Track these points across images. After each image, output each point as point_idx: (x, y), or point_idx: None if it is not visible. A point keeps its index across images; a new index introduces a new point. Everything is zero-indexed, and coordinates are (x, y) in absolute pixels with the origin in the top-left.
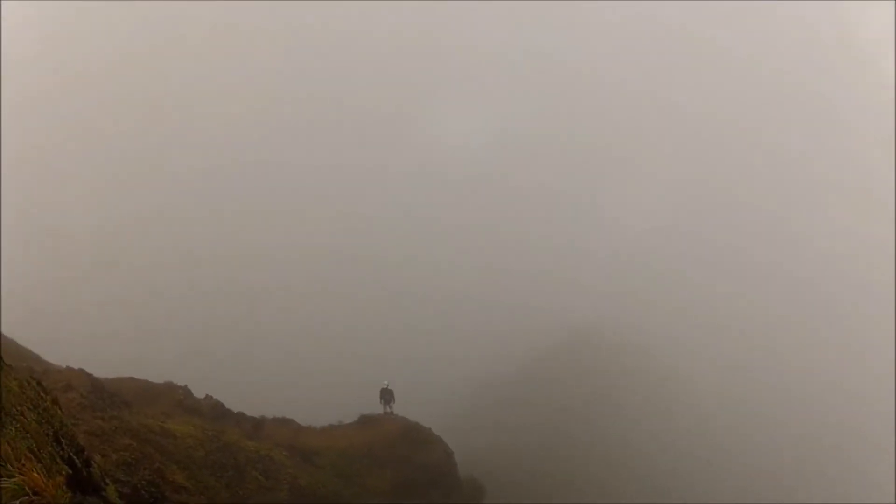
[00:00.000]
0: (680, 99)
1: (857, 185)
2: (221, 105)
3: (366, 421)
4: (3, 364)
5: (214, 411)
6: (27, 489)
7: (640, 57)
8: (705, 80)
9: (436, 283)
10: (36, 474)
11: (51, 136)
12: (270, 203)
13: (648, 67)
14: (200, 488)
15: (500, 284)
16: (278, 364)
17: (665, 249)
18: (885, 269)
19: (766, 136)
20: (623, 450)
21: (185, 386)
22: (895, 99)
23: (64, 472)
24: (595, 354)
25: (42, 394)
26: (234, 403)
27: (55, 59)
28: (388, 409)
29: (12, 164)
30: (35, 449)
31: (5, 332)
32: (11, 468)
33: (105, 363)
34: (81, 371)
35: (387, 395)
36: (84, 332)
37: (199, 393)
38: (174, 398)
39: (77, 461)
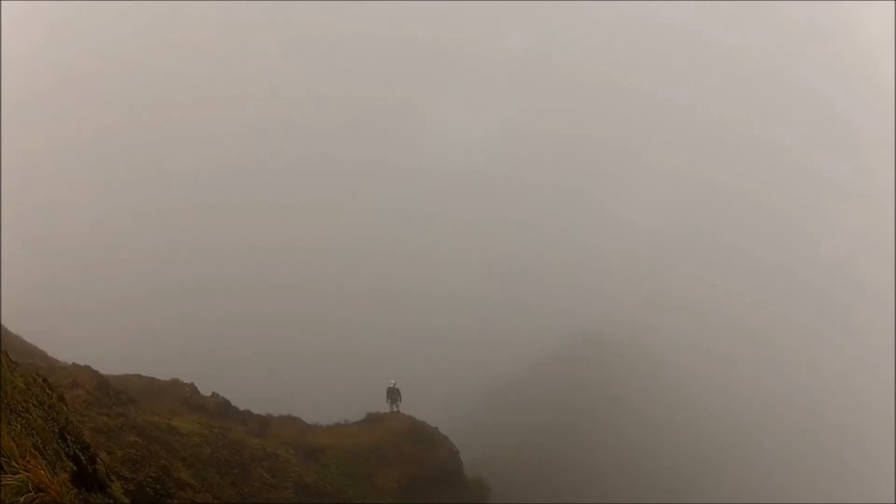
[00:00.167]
0: (681, 98)
1: (857, 184)
2: (223, 103)
3: (372, 419)
4: (9, 361)
5: (220, 409)
6: (31, 486)
7: (642, 56)
8: (706, 80)
9: (441, 282)
10: (41, 471)
11: (51, 134)
12: (277, 199)
13: (650, 66)
14: (206, 486)
15: (504, 283)
16: (285, 362)
17: (667, 248)
18: (886, 269)
19: (766, 136)
20: (629, 450)
21: (192, 383)
22: (895, 99)
23: (69, 469)
24: (601, 354)
25: (48, 390)
26: (240, 401)
27: (55, 56)
28: (395, 408)
29: (12, 163)
30: (40, 445)
31: (11, 329)
32: (16, 465)
33: (111, 360)
34: (87, 368)
35: (394, 394)
36: (90, 330)
37: (205, 390)
38: (180, 395)
39: (82, 458)
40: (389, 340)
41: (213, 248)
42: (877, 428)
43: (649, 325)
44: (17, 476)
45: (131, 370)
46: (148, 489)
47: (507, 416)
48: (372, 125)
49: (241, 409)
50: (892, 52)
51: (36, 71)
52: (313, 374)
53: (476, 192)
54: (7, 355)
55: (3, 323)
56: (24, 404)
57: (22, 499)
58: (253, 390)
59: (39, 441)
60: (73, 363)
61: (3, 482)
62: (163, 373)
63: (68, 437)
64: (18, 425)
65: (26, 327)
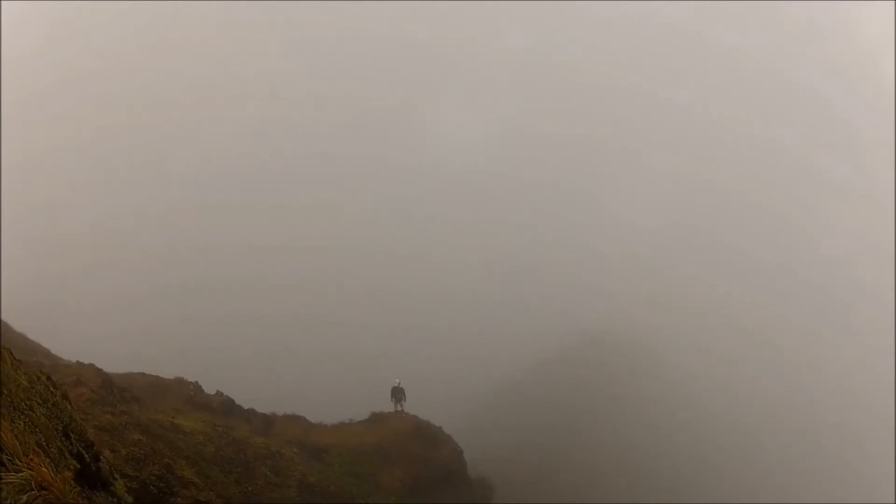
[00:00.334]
0: (681, 98)
1: (857, 184)
2: (223, 103)
3: (376, 419)
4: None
5: (224, 407)
6: (34, 484)
7: (642, 56)
8: (706, 80)
9: (441, 281)
10: (44, 469)
11: (51, 134)
12: (277, 199)
13: (650, 66)
14: (209, 484)
15: (504, 283)
16: (286, 362)
17: (667, 248)
18: (886, 269)
19: (766, 136)
20: (629, 450)
21: (196, 382)
22: (895, 99)
23: (72, 467)
24: (601, 354)
25: (52, 389)
26: (244, 400)
27: (55, 56)
28: (399, 408)
29: (12, 163)
30: (44, 444)
31: (15, 326)
32: (19, 463)
33: (115, 359)
34: (91, 366)
35: (398, 394)
36: (91, 329)
37: (209, 389)
38: (184, 394)
39: (86, 456)
40: (389, 340)
41: (213, 248)
42: (877, 428)
43: (649, 325)
44: (21, 474)
45: (135, 368)
46: (151, 487)
47: (507, 416)
48: (372, 125)
49: (246, 407)
50: (892, 52)
51: (36, 71)
52: (315, 374)
53: (476, 192)
54: (11, 353)
55: (6, 321)
56: (28, 402)
57: (25, 497)
58: (256, 389)
59: (43, 439)
60: (77, 361)
61: (6, 480)
62: (167, 371)
63: (72, 435)
64: (22, 423)
65: (26, 326)
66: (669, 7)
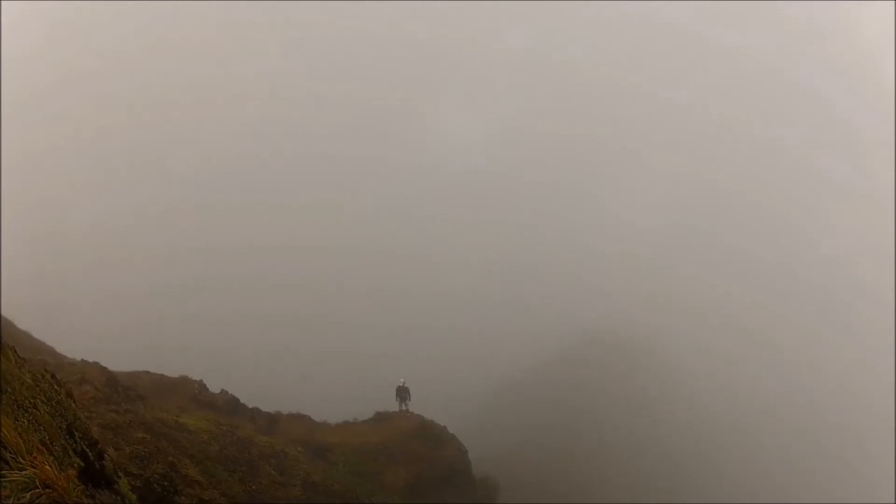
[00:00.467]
0: (681, 98)
1: (857, 184)
2: (223, 103)
3: (381, 418)
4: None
5: (229, 406)
6: (38, 482)
7: (642, 56)
8: (706, 80)
9: (441, 281)
10: (48, 467)
11: (51, 134)
12: (277, 199)
13: (650, 66)
14: (213, 483)
15: (505, 283)
16: (287, 361)
17: (667, 248)
18: (886, 269)
19: (766, 136)
20: (630, 450)
21: (201, 380)
22: (895, 99)
23: (76, 465)
24: (602, 354)
25: (56, 387)
26: (249, 398)
27: (55, 56)
28: (404, 407)
29: (12, 163)
30: (47, 442)
31: (19, 325)
32: (23, 461)
33: (119, 357)
34: (96, 364)
35: (403, 393)
36: (93, 327)
37: (214, 387)
38: (189, 392)
39: (90, 454)
40: (389, 340)
41: (212, 248)
42: (877, 428)
43: (649, 325)
44: (24, 472)
45: (140, 367)
46: (155, 486)
47: (507, 416)
48: (372, 125)
49: (251, 406)
50: (892, 52)
51: (36, 71)
52: (319, 374)
53: (476, 192)
54: (15, 351)
55: (11, 319)
56: (32, 400)
57: (28, 494)
58: (262, 388)
59: (47, 437)
60: (82, 360)
61: (9, 478)
62: (172, 370)
63: (76, 433)
64: (25, 421)
65: (27, 324)
66: (669, 7)
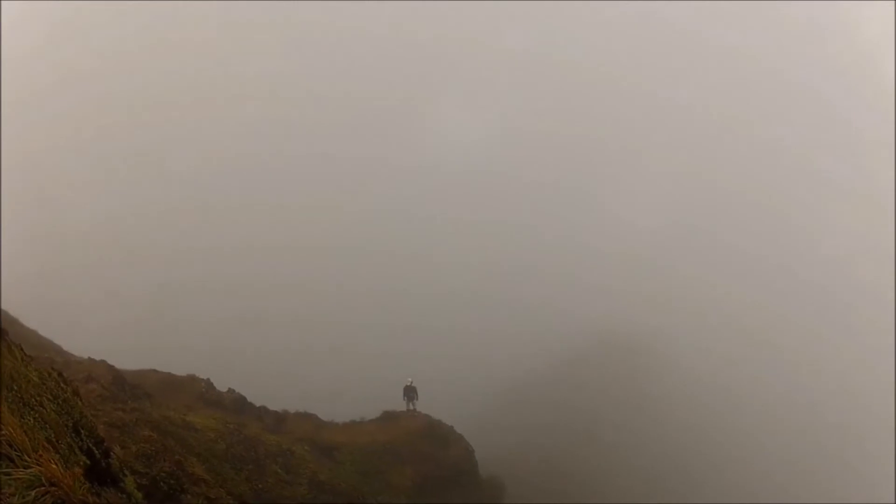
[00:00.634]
0: (681, 98)
1: (857, 184)
2: (223, 103)
3: (388, 417)
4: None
5: (236, 405)
6: (44, 479)
7: (642, 56)
8: (706, 80)
9: (441, 281)
10: (53, 465)
11: (51, 134)
12: (277, 199)
13: (650, 66)
14: (220, 481)
15: (505, 283)
16: (295, 360)
17: (667, 248)
18: (886, 269)
19: (766, 136)
20: (632, 449)
21: (208, 379)
22: (895, 99)
23: (82, 463)
24: (604, 355)
25: (62, 385)
26: (256, 397)
27: (55, 56)
28: (411, 407)
29: (12, 163)
30: (53, 439)
31: (26, 323)
32: (28, 459)
33: (127, 355)
34: (103, 362)
35: (410, 393)
36: (99, 325)
37: (221, 386)
38: (196, 391)
39: (96, 452)
40: (389, 340)
41: (213, 249)
42: (877, 428)
43: (649, 325)
44: (30, 470)
45: (148, 365)
46: (161, 484)
47: (507, 416)
48: (372, 125)
49: (258, 405)
50: (892, 52)
51: (36, 71)
52: (318, 374)
53: (476, 192)
54: (21, 349)
55: (17, 318)
56: (38, 398)
57: (34, 492)
58: (269, 387)
59: (53, 435)
60: (89, 358)
61: (15, 476)
62: (179, 368)
63: (82, 431)
64: (31, 419)
65: (41, 321)
66: (669, 7)
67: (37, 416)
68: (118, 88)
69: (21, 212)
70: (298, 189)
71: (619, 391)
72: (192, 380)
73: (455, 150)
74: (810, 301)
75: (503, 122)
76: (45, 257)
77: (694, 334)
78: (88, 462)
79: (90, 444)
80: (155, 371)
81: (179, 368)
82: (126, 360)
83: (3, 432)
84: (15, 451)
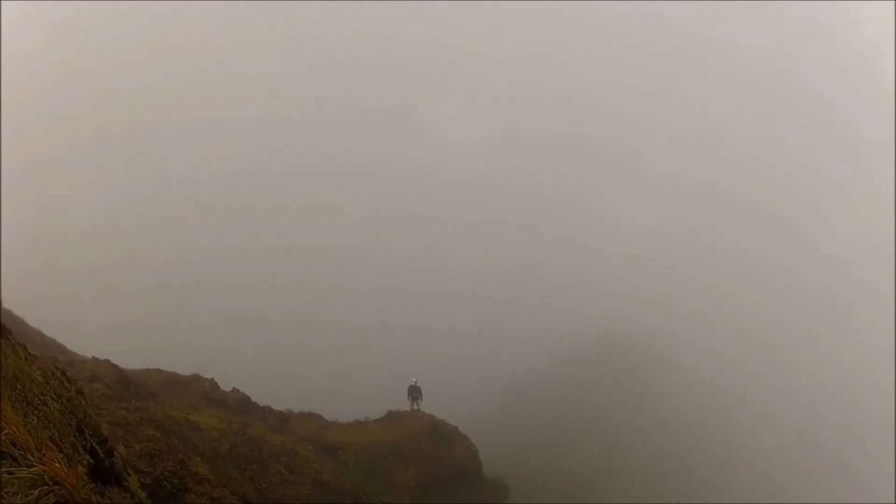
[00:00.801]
0: (681, 98)
1: (857, 184)
2: (223, 103)
3: (392, 417)
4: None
5: (240, 404)
6: (47, 478)
7: (642, 56)
8: (706, 80)
9: (442, 281)
10: (57, 464)
11: (51, 134)
12: (277, 199)
13: (650, 66)
14: (223, 481)
15: (505, 283)
16: (301, 359)
17: (667, 248)
18: (886, 269)
19: (766, 136)
20: (633, 449)
21: (212, 378)
22: (895, 99)
23: (86, 462)
24: (604, 354)
25: (66, 384)
26: (260, 397)
27: (55, 56)
28: (416, 407)
29: (12, 163)
30: (57, 438)
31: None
32: (32, 458)
33: (131, 355)
34: (107, 362)
35: (414, 393)
36: (100, 324)
37: (225, 386)
38: (200, 390)
39: (99, 451)
40: (389, 340)
41: (213, 249)
42: (877, 428)
43: (650, 325)
44: (33, 469)
45: (152, 364)
46: (165, 483)
47: (508, 416)
48: (372, 125)
49: (262, 404)
50: (892, 52)
51: (36, 71)
52: (319, 374)
53: (476, 192)
54: (25, 348)
55: (21, 317)
56: (42, 397)
57: (37, 492)
58: (273, 386)
59: (56, 434)
60: (93, 357)
61: (18, 475)
62: (183, 368)
63: (86, 430)
64: (35, 418)
65: (45, 320)
66: (669, 7)
67: (40, 415)
68: (118, 88)
69: (21, 211)
70: (298, 189)
71: (619, 391)
72: (196, 379)
73: (455, 150)
74: (810, 301)
75: (503, 122)
76: (46, 257)
77: (694, 334)
78: (92, 461)
79: (94, 444)
80: (159, 370)
81: (180, 368)
82: (127, 359)
83: (6, 431)
84: (18, 449)
